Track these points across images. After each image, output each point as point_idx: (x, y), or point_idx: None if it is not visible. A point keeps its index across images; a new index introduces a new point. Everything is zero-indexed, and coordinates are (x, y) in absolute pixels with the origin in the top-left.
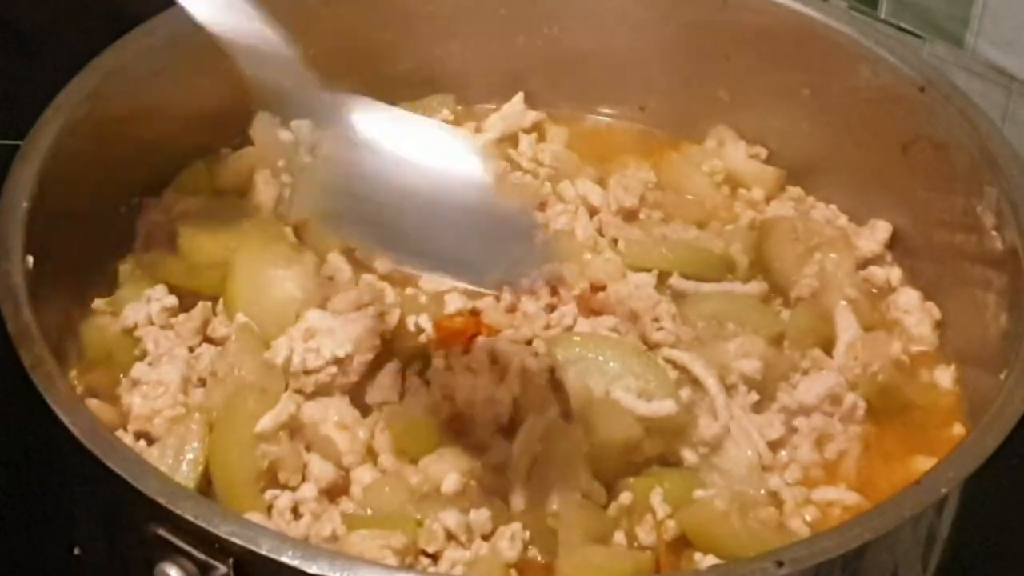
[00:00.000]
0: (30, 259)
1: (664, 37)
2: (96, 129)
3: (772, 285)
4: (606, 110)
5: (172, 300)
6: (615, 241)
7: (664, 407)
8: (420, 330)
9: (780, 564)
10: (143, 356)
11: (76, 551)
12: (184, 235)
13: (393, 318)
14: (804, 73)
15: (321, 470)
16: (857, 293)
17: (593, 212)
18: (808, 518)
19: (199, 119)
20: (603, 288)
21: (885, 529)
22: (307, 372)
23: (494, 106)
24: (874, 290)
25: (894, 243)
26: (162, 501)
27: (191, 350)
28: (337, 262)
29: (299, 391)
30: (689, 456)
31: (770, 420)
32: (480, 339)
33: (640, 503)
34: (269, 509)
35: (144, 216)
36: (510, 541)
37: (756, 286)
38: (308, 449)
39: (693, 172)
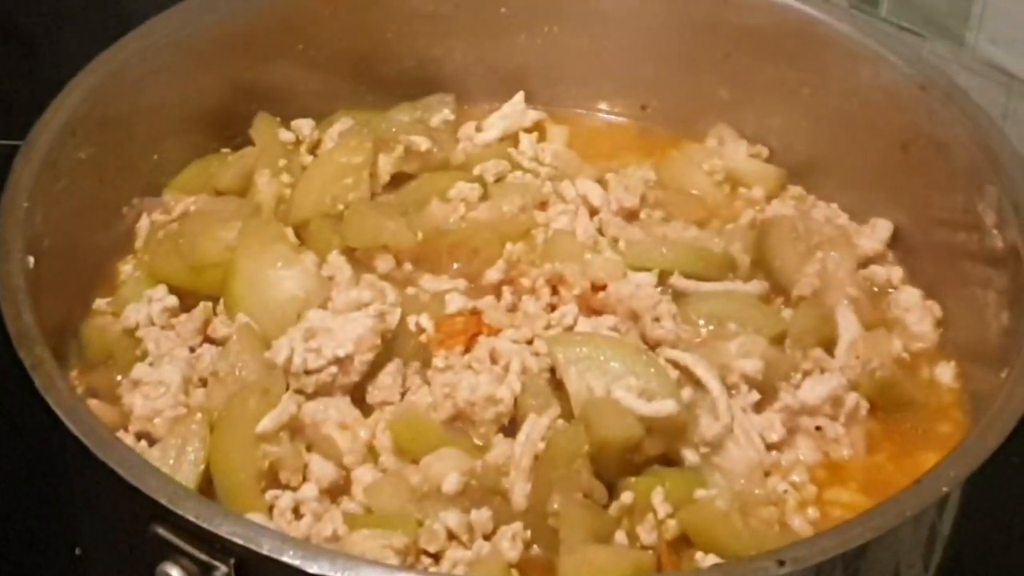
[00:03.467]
0: (31, 259)
1: (665, 36)
2: (96, 129)
3: (773, 284)
4: (606, 109)
5: (173, 300)
6: (616, 240)
7: (665, 407)
8: (421, 329)
9: (781, 563)
10: (144, 356)
11: (77, 551)
12: (185, 235)
13: (394, 318)
14: (805, 72)
15: (322, 470)
16: (858, 292)
17: (594, 212)
18: (810, 517)
19: (199, 119)
20: (604, 287)
21: (886, 528)
22: (308, 372)
23: (495, 105)
24: (875, 289)
25: (895, 242)
26: (163, 501)
27: (192, 350)
28: (338, 262)
29: (300, 391)
30: (690, 456)
31: (771, 420)
32: (481, 338)
33: (641, 503)
34: (270, 509)
35: (145, 216)
36: (511, 541)
37: (757, 285)
38: (309, 449)
39: (694, 171)
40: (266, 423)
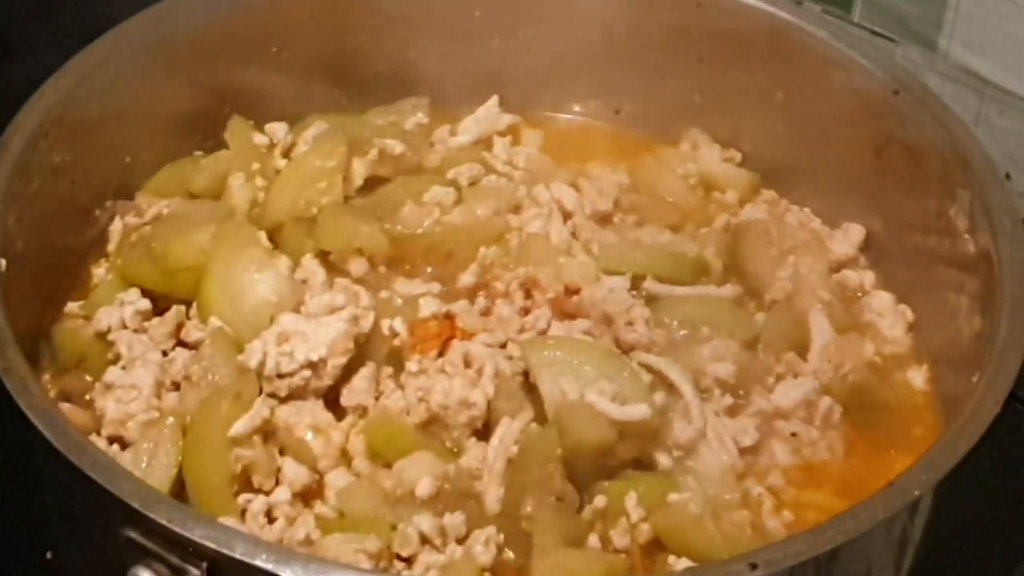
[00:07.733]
0: (2, 262)
1: (638, 40)
2: (69, 132)
3: (746, 288)
4: (580, 112)
5: (145, 304)
6: (589, 244)
7: (638, 411)
8: (394, 333)
9: (754, 567)
10: (116, 360)
11: (48, 555)
12: (158, 238)
13: (367, 321)
14: (778, 76)
15: (295, 474)
16: (831, 296)
17: (567, 216)
18: (783, 521)
19: (173, 122)
20: (577, 291)
21: (858, 531)
22: (281, 376)
23: (469, 109)
24: (848, 293)
25: (867, 246)
26: (135, 505)
27: (165, 354)
28: (311, 265)
29: (273, 395)
30: (663, 460)
31: (744, 424)
32: (454, 342)
33: (614, 506)
34: (243, 513)
35: (118, 219)
36: (484, 545)
37: (730, 289)
38: (282, 453)
39: (667, 175)
40: (239, 427)
